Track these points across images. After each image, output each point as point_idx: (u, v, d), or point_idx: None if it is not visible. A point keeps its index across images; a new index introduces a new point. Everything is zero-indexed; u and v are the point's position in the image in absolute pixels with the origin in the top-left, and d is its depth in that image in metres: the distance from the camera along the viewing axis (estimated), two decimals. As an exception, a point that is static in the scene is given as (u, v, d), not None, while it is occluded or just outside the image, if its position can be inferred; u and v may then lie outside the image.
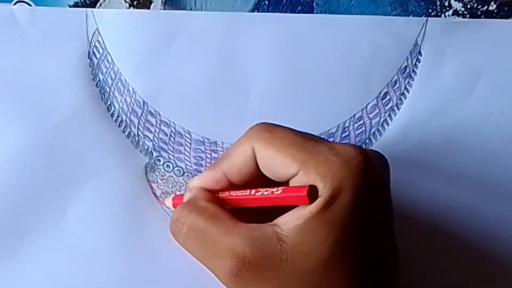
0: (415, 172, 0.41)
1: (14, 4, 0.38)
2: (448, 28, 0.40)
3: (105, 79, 0.39)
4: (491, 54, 0.40)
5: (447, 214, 0.41)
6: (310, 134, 0.32)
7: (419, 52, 0.40)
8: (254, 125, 0.33)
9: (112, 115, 0.39)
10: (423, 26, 0.40)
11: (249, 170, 0.32)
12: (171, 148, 0.40)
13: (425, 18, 0.40)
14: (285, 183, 0.31)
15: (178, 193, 0.40)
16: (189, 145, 0.40)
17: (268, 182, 0.32)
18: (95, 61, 0.39)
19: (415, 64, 0.40)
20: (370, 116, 0.40)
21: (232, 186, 0.33)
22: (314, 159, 0.29)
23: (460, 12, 0.40)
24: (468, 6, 0.40)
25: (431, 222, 0.40)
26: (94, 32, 0.39)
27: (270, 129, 0.31)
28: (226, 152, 0.33)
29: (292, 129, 0.31)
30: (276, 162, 0.30)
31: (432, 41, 0.40)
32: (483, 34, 0.40)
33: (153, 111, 0.39)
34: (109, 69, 0.39)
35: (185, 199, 0.35)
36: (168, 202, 0.38)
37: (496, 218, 0.41)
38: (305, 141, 0.30)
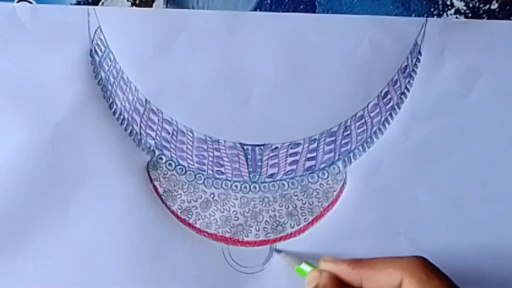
0: (416, 170, 0.41)
1: (17, 2, 0.38)
2: (447, 28, 0.40)
3: (107, 77, 0.39)
4: (489, 54, 0.41)
5: (447, 213, 0.41)
6: None
7: (419, 52, 0.40)
8: (413, 257, 0.33)
9: (114, 113, 0.39)
10: (422, 26, 0.40)
11: None
12: (173, 147, 0.40)
13: (425, 18, 0.40)
14: None
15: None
16: (191, 143, 0.40)
17: None
18: (97, 59, 0.39)
19: (415, 63, 0.40)
20: (371, 115, 0.41)
21: None
22: None
23: (462, 11, 0.40)
24: (470, 5, 0.40)
25: (431, 221, 0.41)
26: (96, 30, 0.38)
27: (427, 270, 0.31)
28: (374, 260, 0.34)
29: (448, 279, 0.32)
30: None
31: (432, 41, 0.40)
32: (482, 35, 0.40)
33: (155, 109, 0.40)
34: (111, 67, 0.39)
35: (314, 278, 0.36)
36: (285, 257, 0.40)
37: (496, 217, 0.41)
38: None
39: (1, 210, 0.38)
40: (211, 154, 0.40)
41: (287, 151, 0.41)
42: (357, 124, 0.41)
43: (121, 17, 0.38)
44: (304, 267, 0.38)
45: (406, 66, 0.40)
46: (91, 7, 0.38)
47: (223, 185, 0.41)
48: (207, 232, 0.40)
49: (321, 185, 0.41)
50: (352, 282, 0.34)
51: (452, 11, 0.40)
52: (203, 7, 0.39)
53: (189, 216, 0.40)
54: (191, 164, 0.40)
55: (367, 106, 0.41)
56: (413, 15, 0.40)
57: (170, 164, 0.40)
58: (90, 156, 0.39)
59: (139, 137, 0.40)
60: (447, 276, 0.32)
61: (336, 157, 0.41)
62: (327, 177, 0.41)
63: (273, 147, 0.40)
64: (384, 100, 0.41)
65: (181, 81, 0.39)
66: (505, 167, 0.41)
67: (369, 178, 0.41)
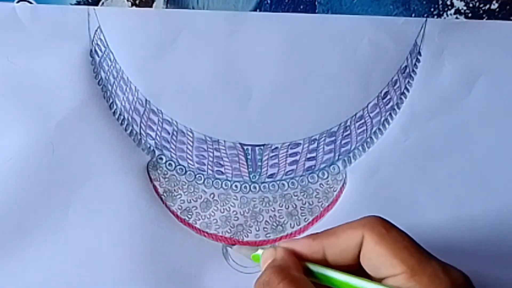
0: (416, 170, 0.41)
1: (17, 2, 0.38)
2: (447, 28, 0.40)
3: (107, 77, 0.39)
4: (489, 54, 0.41)
5: (447, 213, 0.41)
6: (423, 248, 0.32)
7: (419, 52, 0.40)
8: (369, 216, 0.32)
9: (114, 113, 0.39)
10: (422, 27, 0.40)
11: (350, 255, 0.32)
12: (173, 147, 0.40)
13: (424, 19, 0.40)
14: (378, 279, 0.31)
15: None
16: (191, 143, 0.40)
17: (357, 272, 0.32)
18: (97, 59, 0.39)
19: (415, 64, 0.40)
20: (371, 115, 0.41)
21: (323, 262, 0.33)
22: (422, 269, 0.30)
23: (462, 11, 0.40)
24: (470, 5, 0.40)
25: (431, 221, 0.41)
26: (96, 30, 0.38)
27: (386, 226, 0.31)
28: (332, 228, 0.33)
29: (408, 234, 0.32)
30: (383, 259, 0.30)
31: (431, 41, 0.40)
32: (481, 35, 0.40)
33: (155, 110, 0.40)
34: (111, 67, 0.39)
35: (269, 255, 0.34)
36: (239, 249, 0.38)
37: (496, 217, 0.41)
38: (419, 250, 0.31)
39: (1, 210, 0.38)
40: (211, 154, 0.40)
41: (287, 151, 0.41)
42: (357, 124, 0.41)
43: (121, 17, 0.38)
44: (260, 252, 0.36)
45: (406, 66, 0.40)
46: (91, 7, 0.38)
47: (223, 185, 0.41)
48: (207, 232, 0.40)
49: (321, 185, 0.41)
50: (314, 255, 0.33)
51: (452, 11, 0.40)
52: (203, 7, 0.39)
53: (189, 216, 0.40)
54: (191, 164, 0.40)
55: (367, 106, 0.41)
56: (413, 15, 0.40)
57: (170, 164, 0.40)
58: (90, 156, 0.39)
59: (139, 137, 0.40)
60: (405, 231, 0.32)
61: (336, 157, 0.41)
62: (327, 177, 0.41)
63: (273, 147, 0.41)
64: (384, 100, 0.41)
65: (181, 81, 0.39)
66: (505, 167, 0.41)
67: (369, 178, 0.41)
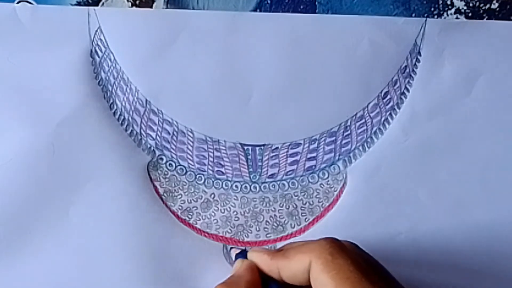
0: (416, 170, 0.41)
1: (17, 3, 0.38)
2: (447, 28, 0.40)
3: (107, 78, 0.39)
4: (489, 54, 0.41)
5: (448, 213, 0.41)
6: (376, 267, 0.32)
7: (419, 52, 0.40)
8: (321, 239, 0.33)
9: (114, 113, 0.39)
10: (422, 26, 0.40)
11: (302, 278, 0.32)
12: (174, 147, 0.40)
13: (424, 19, 0.40)
14: None
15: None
16: (191, 143, 0.40)
17: None
18: (97, 59, 0.39)
19: (415, 64, 0.41)
20: (372, 115, 0.41)
21: (281, 280, 0.34)
22: None
23: (462, 10, 0.40)
24: (470, 5, 0.40)
25: (431, 221, 0.41)
26: (96, 31, 0.38)
27: (333, 252, 0.31)
28: (288, 249, 0.34)
29: (358, 258, 0.32)
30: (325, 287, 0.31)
31: (431, 41, 0.40)
32: (481, 35, 0.40)
33: (155, 110, 0.40)
34: (111, 67, 0.39)
35: (234, 267, 0.36)
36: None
37: (496, 217, 0.41)
38: (361, 279, 0.30)
39: (2, 210, 0.38)
40: (211, 154, 0.40)
41: (287, 151, 0.41)
42: (357, 124, 0.41)
43: (121, 18, 0.38)
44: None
45: (406, 66, 0.40)
46: (91, 7, 0.38)
47: (224, 185, 0.41)
48: (207, 233, 0.40)
49: (321, 185, 0.41)
50: (271, 273, 0.34)
51: (453, 10, 0.40)
52: (203, 7, 0.39)
53: (190, 217, 0.40)
54: (191, 164, 0.40)
55: (367, 106, 0.41)
56: (413, 15, 0.40)
57: (170, 164, 0.40)
58: (91, 156, 0.39)
59: (139, 137, 0.40)
60: (356, 253, 0.32)
61: (336, 157, 0.41)
62: (328, 177, 0.41)
63: (273, 147, 0.41)
64: (384, 100, 0.41)
65: (181, 82, 0.39)
66: (505, 166, 0.41)
67: (369, 178, 0.41)
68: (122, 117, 0.40)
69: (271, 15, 0.39)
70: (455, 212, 0.41)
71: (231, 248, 0.40)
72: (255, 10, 0.39)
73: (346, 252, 0.32)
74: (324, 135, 0.41)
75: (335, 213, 0.41)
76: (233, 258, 0.39)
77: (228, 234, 0.41)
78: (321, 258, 0.31)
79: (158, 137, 0.40)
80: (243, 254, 0.38)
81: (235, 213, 0.41)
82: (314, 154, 0.41)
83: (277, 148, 0.40)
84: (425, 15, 0.40)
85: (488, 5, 0.40)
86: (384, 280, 0.31)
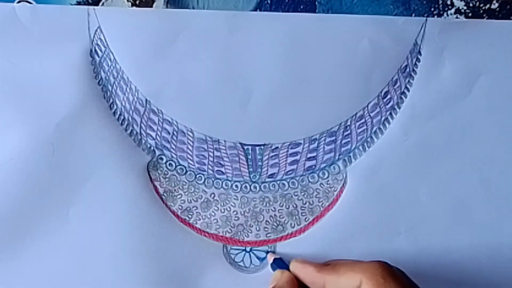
0: (416, 169, 0.41)
1: (17, 3, 0.38)
2: (447, 28, 0.40)
3: (107, 77, 0.39)
4: (489, 54, 0.41)
5: (448, 213, 0.41)
6: None
7: (419, 52, 0.40)
8: (373, 261, 0.34)
9: (114, 113, 0.39)
10: (422, 26, 0.40)
11: None
12: (174, 147, 0.40)
13: (424, 18, 0.40)
14: None
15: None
16: (191, 143, 0.40)
17: None
18: (97, 59, 0.39)
19: (415, 63, 0.41)
20: (372, 115, 0.41)
21: None
22: None
23: (462, 10, 0.40)
24: (470, 5, 0.40)
25: (431, 221, 0.41)
26: (96, 30, 0.38)
27: (385, 275, 0.33)
28: (337, 264, 0.35)
29: (407, 285, 0.33)
30: None
31: (431, 41, 0.40)
32: (481, 34, 0.40)
33: (155, 110, 0.40)
34: (111, 67, 0.39)
35: (274, 278, 0.37)
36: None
37: (496, 217, 0.41)
38: None
39: (2, 210, 0.38)
40: (211, 154, 0.40)
41: (287, 151, 0.41)
42: (357, 124, 0.41)
43: (121, 17, 0.38)
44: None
45: (406, 66, 0.40)
46: (91, 7, 0.38)
47: (224, 185, 0.41)
48: (207, 232, 0.40)
49: (321, 185, 0.41)
50: (315, 285, 0.36)
51: (452, 10, 0.40)
52: (203, 7, 0.39)
53: (190, 216, 0.40)
54: (191, 164, 0.40)
55: (367, 106, 0.41)
56: (413, 15, 0.40)
57: (170, 164, 0.40)
58: (91, 156, 0.39)
59: (139, 137, 0.40)
60: (407, 279, 0.33)
61: (336, 157, 0.41)
62: (328, 177, 0.41)
63: (273, 147, 0.41)
64: (384, 100, 0.41)
65: (181, 81, 0.39)
66: (505, 166, 0.41)
67: (369, 178, 0.41)
68: (122, 117, 0.40)
69: (271, 15, 0.39)
70: (455, 212, 0.41)
71: (268, 252, 0.40)
72: (255, 10, 0.39)
73: (398, 278, 0.33)
74: (324, 134, 0.41)
75: (335, 213, 0.41)
76: (269, 262, 0.40)
77: (228, 234, 0.41)
78: (373, 280, 0.32)
79: (158, 137, 0.40)
80: (280, 263, 0.39)
81: (235, 212, 0.41)
82: (314, 154, 0.41)
83: (277, 147, 0.40)
84: (425, 15, 0.40)
85: (488, 5, 0.40)
86: None
